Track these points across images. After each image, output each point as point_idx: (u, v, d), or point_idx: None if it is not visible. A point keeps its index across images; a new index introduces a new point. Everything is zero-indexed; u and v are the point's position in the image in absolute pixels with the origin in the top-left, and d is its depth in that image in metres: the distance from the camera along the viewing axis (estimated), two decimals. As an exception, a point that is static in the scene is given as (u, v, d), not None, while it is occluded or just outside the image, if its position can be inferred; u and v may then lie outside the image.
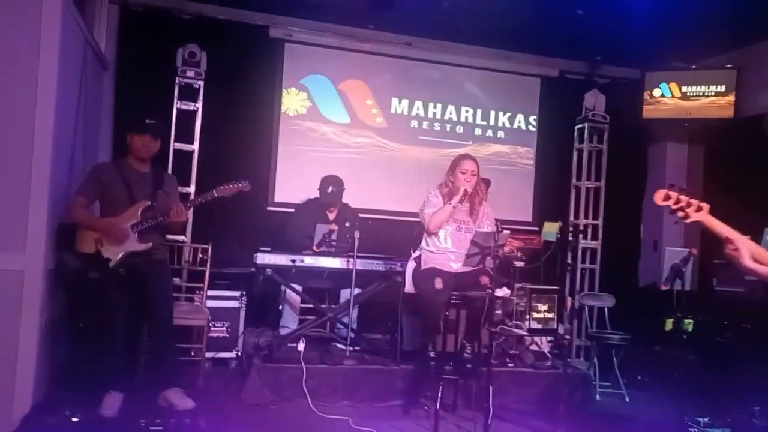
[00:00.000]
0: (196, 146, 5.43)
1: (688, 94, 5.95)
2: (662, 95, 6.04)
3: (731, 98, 5.79)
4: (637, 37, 5.64)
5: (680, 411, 3.99)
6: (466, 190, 4.14)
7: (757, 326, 4.62)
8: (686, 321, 4.31)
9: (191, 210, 4.49)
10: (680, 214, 2.44)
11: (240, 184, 4.03)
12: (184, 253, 5.05)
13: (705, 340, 4.82)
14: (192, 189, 5.34)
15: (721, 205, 6.56)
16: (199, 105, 5.41)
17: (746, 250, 2.41)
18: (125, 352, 3.76)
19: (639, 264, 6.72)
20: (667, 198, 2.44)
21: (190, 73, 5.36)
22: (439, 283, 3.92)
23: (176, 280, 4.95)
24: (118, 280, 3.70)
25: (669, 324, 4.40)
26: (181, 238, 5.15)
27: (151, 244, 3.77)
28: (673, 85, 6.00)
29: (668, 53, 6.12)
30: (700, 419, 4.12)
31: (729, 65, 5.93)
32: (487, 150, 6.49)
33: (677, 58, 6.20)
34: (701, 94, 5.90)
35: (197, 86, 5.39)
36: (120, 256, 3.67)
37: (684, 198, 2.43)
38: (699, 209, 2.44)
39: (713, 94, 5.87)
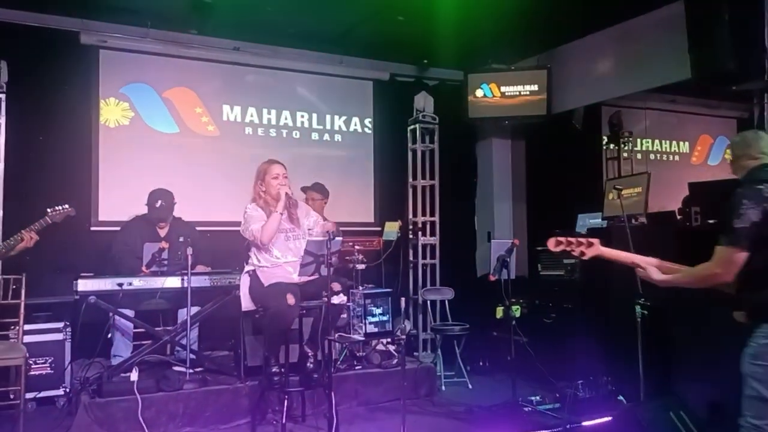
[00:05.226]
0: (1, 166, 4.88)
1: (506, 93, 6.36)
2: (484, 95, 6.40)
3: (543, 96, 6.27)
4: (459, 41, 5.94)
5: (514, 392, 4.24)
6: (287, 193, 4.03)
7: (577, 305, 5.06)
8: (514, 307, 4.59)
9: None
10: (576, 252, 2.61)
11: (66, 209, 4.11)
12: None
13: (533, 322, 5.19)
14: (-1, 213, 4.81)
15: (542, 192, 7.13)
16: (2, 120, 4.88)
17: (652, 267, 2.58)
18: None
19: (476, 255, 7.09)
20: (559, 243, 2.63)
21: (-13, 85, 4.82)
22: (291, 299, 3.77)
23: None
24: None
25: (500, 312, 4.68)
26: (-11, 269, 4.63)
27: None
28: (493, 86, 6.39)
29: (488, 55, 6.49)
30: (532, 398, 4.42)
31: (540, 66, 6.42)
32: (325, 154, 6.50)
33: (496, 59, 6.60)
34: (518, 93, 6.34)
35: (-2, 100, 4.87)
36: None
37: (574, 239, 2.63)
38: (591, 245, 2.61)
39: (528, 93, 6.32)
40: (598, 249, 2.63)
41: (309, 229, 4.17)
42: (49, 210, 4.05)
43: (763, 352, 2.32)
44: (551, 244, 2.66)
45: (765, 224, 2.31)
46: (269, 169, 4.13)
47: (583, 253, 2.61)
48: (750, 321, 2.40)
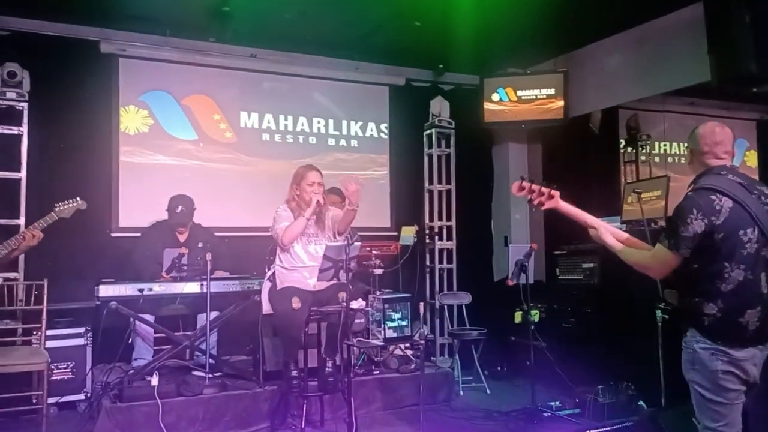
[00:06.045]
0: (23, 174, 4.95)
1: (523, 97, 6.35)
2: (500, 100, 6.40)
3: (560, 100, 6.25)
4: (474, 46, 5.94)
5: (533, 398, 4.22)
6: (318, 201, 4.08)
7: (596, 309, 5.02)
8: (533, 312, 4.57)
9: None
10: (535, 202, 2.67)
11: (75, 203, 4.04)
12: (18, 292, 4.59)
13: (552, 327, 5.15)
14: (22, 221, 4.86)
15: (560, 196, 7.05)
16: (24, 129, 4.94)
17: (605, 230, 2.66)
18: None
19: (492, 259, 7.06)
20: (521, 189, 2.68)
21: (11, 95, 4.87)
22: (296, 303, 3.82)
23: (8, 323, 4.54)
24: None
25: (518, 317, 4.65)
26: (12, 275, 4.70)
27: None
28: (510, 90, 6.38)
29: (504, 59, 6.49)
30: (552, 403, 4.38)
31: (557, 69, 6.40)
32: (341, 159, 6.52)
33: (512, 63, 6.59)
34: (534, 97, 6.33)
35: (20, 108, 4.92)
36: None
37: (536, 187, 2.67)
38: (551, 197, 2.68)
39: (545, 97, 6.30)
40: (557, 202, 2.70)
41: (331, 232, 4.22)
42: (56, 205, 4.00)
43: (697, 357, 2.34)
44: (514, 188, 2.71)
45: (708, 235, 2.30)
46: (306, 175, 4.20)
47: (541, 203, 2.67)
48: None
